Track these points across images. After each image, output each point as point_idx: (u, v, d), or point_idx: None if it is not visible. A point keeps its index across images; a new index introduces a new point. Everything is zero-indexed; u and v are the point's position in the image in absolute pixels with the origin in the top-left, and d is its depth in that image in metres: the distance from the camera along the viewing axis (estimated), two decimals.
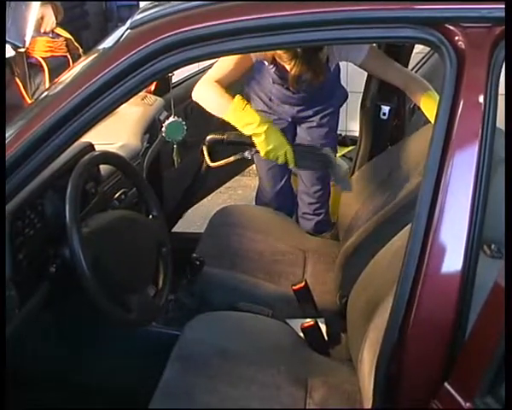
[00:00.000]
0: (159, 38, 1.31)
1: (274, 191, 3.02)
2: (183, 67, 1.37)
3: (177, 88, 3.00)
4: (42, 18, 3.54)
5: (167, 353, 1.84)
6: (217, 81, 2.34)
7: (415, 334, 1.28)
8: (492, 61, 1.22)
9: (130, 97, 1.38)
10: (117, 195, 2.17)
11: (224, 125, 2.39)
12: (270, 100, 2.80)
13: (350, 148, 4.14)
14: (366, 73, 2.72)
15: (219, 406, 1.68)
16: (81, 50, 3.74)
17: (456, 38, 1.23)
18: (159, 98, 2.92)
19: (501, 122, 1.22)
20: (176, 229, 3.25)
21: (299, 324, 2.02)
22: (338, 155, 4.09)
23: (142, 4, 1.69)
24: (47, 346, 2.15)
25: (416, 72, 2.88)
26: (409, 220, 1.33)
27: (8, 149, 1.36)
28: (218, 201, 3.90)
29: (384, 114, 2.67)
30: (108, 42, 1.47)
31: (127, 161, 2.10)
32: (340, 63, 2.70)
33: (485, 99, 1.22)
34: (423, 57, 3.01)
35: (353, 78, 2.67)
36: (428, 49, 2.39)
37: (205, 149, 2.43)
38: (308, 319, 2.03)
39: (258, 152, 2.26)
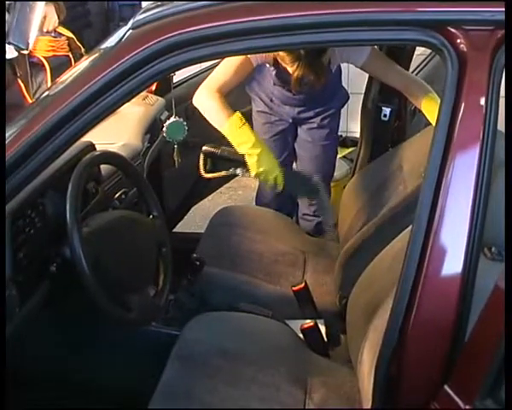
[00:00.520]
0: (161, 39, 1.31)
1: (273, 192, 3.02)
2: (185, 67, 1.37)
3: (179, 88, 3.00)
4: (44, 17, 3.54)
5: (167, 353, 1.84)
6: (218, 89, 2.34)
7: (415, 336, 1.28)
8: (494, 64, 1.22)
9: (132, 98, 1.38)
10: (117, 195, 2.17)
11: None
12: (271, 101, 2.80)
13: (350, 149, 4.15)
14: (367, 75, 2.72)
15: (219, 406, 1.68)
16: (83, 50, 3.74)
17: (458, 40, 1.23)
18: (160, 98, 2.92)
19: (502, 124, 1.23)
20: (176, 229, 3.26)
21: (298, 325, 2.02)
22: (339, 156, 4.10)
23: (144, 4, 1.70)
24: (47, 345, 2.15)
25: (417, 74, 2.88)
26: (409, 222, 1.33)
27: (10, 148, 1.36)
28: (218, 201, 3.90)
29: (385, 115, 2.67)
30: (110, 42, 1.47)
31: (128, 160, 2.10)
32: (342, 64, 2.70)
33: (486, 102, 1.22)
34: (424, 59, 3.02)
35: (354, 79, 2.67)
36: (430, 51, 2.39)
37: (201, 157, 2.43)
38: (308, 320, 2.03)
39: (249, 171, 2.27)
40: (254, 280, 2.37)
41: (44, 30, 3.59)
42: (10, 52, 2.96)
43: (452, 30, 1.24)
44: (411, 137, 2.52)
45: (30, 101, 3.48)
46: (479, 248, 1.24)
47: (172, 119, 1.99)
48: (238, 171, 2.35)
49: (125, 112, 2.32)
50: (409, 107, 2.81)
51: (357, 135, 3.00)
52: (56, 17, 3.65)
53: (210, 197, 3.52)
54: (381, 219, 2.11)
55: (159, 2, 1.49)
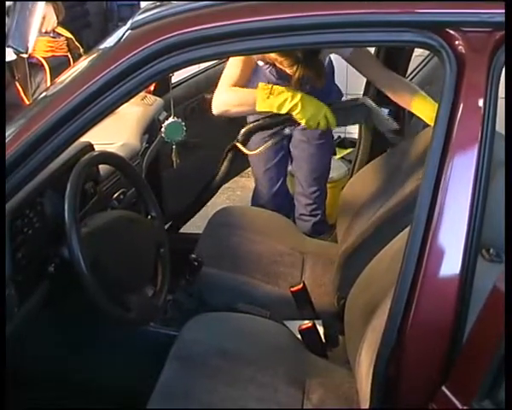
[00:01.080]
0: (160, 39, 1.31)
1: (270, 193, 3.03)
2: (183, 68, 1.37)
3: (177, 88, 3.00)
4: (43, 18, 3.53)
5: (165, 353, 1.84)
6: (233, 85, 2.34)
7: (413, 336, 1.28)
8: (492, 65, 1.22)
9: (131, 98, 1.38)
10: (116, 195, 2.17)
11: (227, 126, 2.40)
12: None
13: (349, 150, 4.15)
14: None
15: (217, 406, 1.68)
16: (82, 50, 3.73)
17: (457, 42, 1.23)
18: (158, 98, 2.92)
19: (501, 126, 1.23)
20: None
21: (296, 325, 2.02)
22: (337, 157, 4.11)
23: (142, 4, 1.70)
24: (46, 345, 2.15)
25: (415, 75, 2.88)
26: (408, 223, 1.33)
27: (8, 148, 1.36)
28: (216, 201, 3.88)
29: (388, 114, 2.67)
30: (109, 42, 1.47)
31: (126, 161, 2.10)
32: (341, 67, 2.70)
33: (484, 103, 1.22)
34: (423, 61, 3.01)
35: (353, 80, 2.67)
36: (428, 52, 2.39)
37: (238, 143, 2.42)
38: (306, 321, 2.03)
39: (298, 125, 2.26)
40: (253, 281, 2.37)
41: (43, 30, 3.58)
42: (9, 55, 2.95)
43: (451, 31, 1.24)
44: (410, 137, 2.52)
45: (28, 102, 3.47)
46: (477, 250, 1.25)
47: (171, 119, 1.99)
48: (287, 130, 2.34)
49: (124, 112, 2.32)
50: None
51: (356, 136, 3.00)
52: (55, 17, 3.64)
53: None
54: (380, 220, 2.11)
55: (158, 3, 1.50)
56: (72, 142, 1.42)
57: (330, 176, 3.61)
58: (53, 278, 1.74)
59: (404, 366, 1.30)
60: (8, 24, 2.86)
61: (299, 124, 2.26)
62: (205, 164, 2.79)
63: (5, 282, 1.51)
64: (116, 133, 2.45)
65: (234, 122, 2.66)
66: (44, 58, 3.64)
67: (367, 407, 1.39)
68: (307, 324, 2.01)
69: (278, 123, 2.35)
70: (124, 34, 1.39)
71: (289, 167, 3.16)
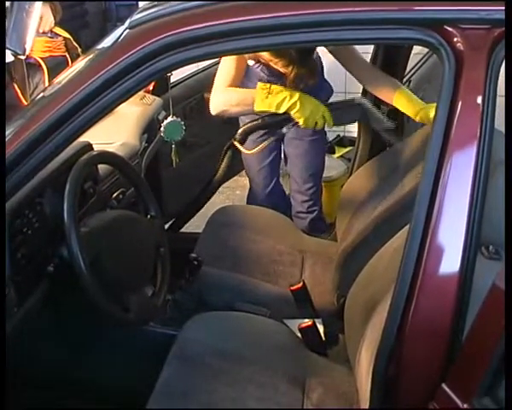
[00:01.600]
0: (157, 38, 1.31)
1: (265, 192, 3.04)
2: (181, 67, 1.37)
3: (176, 88, 3.00)
4: (40, 18, 3.53)
5: (165, 353, 1.84)
6: (229, 86, 2.37)
7: (413, 335, 1.28)
8: (491, 62, 1.22)
9: (129, 97, 1.38)
10: (115, 194, 2.17)
11: (225, 125, 2.39)
12: None
13: (348, 148, 4.15)
14: None
15: (217, 406, 1.68)
16: (80, 50, 3.73)
17: (455, 39, 1.23)
18: (157, 98, 2.92)
19: (500, 123, 1.23)
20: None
21: (296, 324, 2.02)
22: (336, 155, 4.11)
23: (141, 4, 1.69)
24: (45, 345, 2.15)
25: (414, 73, 2.88)
26: (407, 221, 1.33)
27: (8, 147, 1.36)
28: (216, 201, 3.88)
29: (383, 114, 2.67)
30: (107, 41, 1.47)
31: (125, 160, 2.10)
32: (340, 66, 2.70)
33: (483, 101, 1.22)
34: (421, 58, 3.01)
35: (352, 78, 2.67)
36: (427, 50, 2.39)
37: (236, 142, 2.44)
38: (306, 320, 2.03)
39: (295, 124, 2.28)
40: (252, 280, 2.37)
41: (40, 31, 3.58)
42: (7, 56, 2.96)
43: (449, 29, 1.24)
44: (409, 136, 2.52)
45: (26, 103, 3.47)
46: (476, 247, 1.24)
47: (170, 118, 1.99)
48: (284, 129, 2.36)
49: (123, 112, 2.32)
50: None
51: (355, 134, 2.99)
52: (52, 18, 3.64)
53: None
54: (379, 218, 2.11)
55: (155, 2, 1.49)
56: (71, 141, 1.42)
57: (330, 174, 3.63)
58: (52, 278, 1.74)
59: (403, 364, 1.30)
60: (6, 25, 2.86)
61: (296, 123, 2.26)
62: (204, 163, 2.79)
63: (5, 282, 1.50)
64: (115, 133, 2.45)
65: (233, 121, 2.66)
66: (42, 58, 3.64)
67: (367, 405, 1.39)
68: (307, 322, 2.01)
69: (276, 122, 2.36)
70: (122, 33, 1.39)
71: (284, 167, 3.17)
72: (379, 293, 1.59)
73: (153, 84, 2.95)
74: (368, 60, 2.63)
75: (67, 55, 3.75)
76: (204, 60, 1.51)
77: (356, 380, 1.67)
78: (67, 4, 3.89)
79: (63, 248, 1.72)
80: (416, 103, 2.34)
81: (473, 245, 1.23)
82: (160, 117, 2.80)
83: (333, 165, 3.78)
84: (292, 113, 2.22)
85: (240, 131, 2.43)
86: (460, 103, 1.23)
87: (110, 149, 2.20)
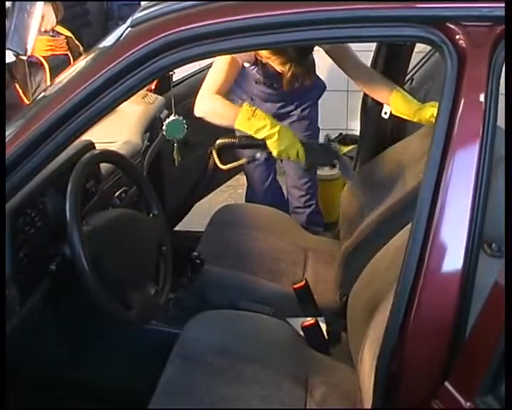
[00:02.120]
0: (159, 37, 1.31)
1: (262, 189, 3.05)
2: (183, 65, 1.37)
3: (178, 86, 3.00)
4: (42, 17, 3.53)
5: (167, 351, 1.84)
6: (217, 91, 2.38)
7: (415, 333, 1.28)
8: (493, 60, 1.22)
9: (131, 96, 1.38)
10: (117, 193, 2.17)
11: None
12: (252, 99, 2.81)
13: (350, 147, 4.14)
14: None
15: (220, 405, 1.68)
16: (82, 48, 3.73)
17: (458, 36, 1.23)
18: (159, 97, 2.92)
19: (501, 121, 1.22)
20: (176, 227, 3.25)
21: (299, 322, 2.02)
22: None
23: (143, 3, 1.69)
24: (47, 344, 2.15)
25: (416, 71, 2.88)
26: (409, 219, 1.33)
27: (9, 146, 1.36)
28: (218, 199, 3.89)
29: (385, 113, 2.67)
30: (109, 40, 1.47)
31: (128, 159, 2.10)
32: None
33: (485, 98, 1.22)
34: (424, 56, 3.01)
35: None
36: (429, 48, 2.39)
37: (214, 152, 2.46)
38: (308, 318, 2.03)
39: (270, 153, 2.30)
40: (255, 278, 2.37)
41: (42, 29, 3.57)
42: (8, 56, 2.95)
43: (451, 26, 1.23)
44: (412, 134, 2.51)
45: (27, 102, 3.47)
46: (479, 245, 1.24)
47: (172, 117, 1.99)
48: (258, 155, 2.38)
49: (125, 110, 2.32)
50: None
51: (357, 133, 3.00)
52: (54, 16, 3.64)
53: (210, 196, 3.52)
54: (382, 217, 2.11)
55: (157, 1, 1.49)
56: (73, 140, 1.42)
57: (332, 172, 3.63)
58: (54, 277, 1.74)
59: (406, 363, 1.30)
60: (6, 26, 2.85)
61: (270, 152, 2.30)
62: (206, 161, 2.79)
63: (5, 281, 1.50)
64: (117, 132, 2.45)
65: None
66: (44, 57, 3.63)
67: (370, 403, 1.38)
68: (310, 321, 2.01)
69: (251, 145, 2.41)
70: (123, 32, 1.39)
71: (281, 164, 3.18)
72: (381, 291, 1.59)
73: (155, 82, 2.96)
74: (370, 58, 2.63)
75: (69, 54, 3.74)
76: (206, 58, 1.51)
77: (359, 378, 1.67)
78: (69, 4, 3.88)
79: (65, 246, 1.72)
80: (413, 103, 2.35)
81: (475, 243, 1.23)
82: (162, 116, 2.80)
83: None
84: (268, 141, 2.25)
85: (217, 143, 2.45)
86: (462, 101, 1.23)
87: (112, 147, 2.20)
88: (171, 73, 2.13)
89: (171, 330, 2.07)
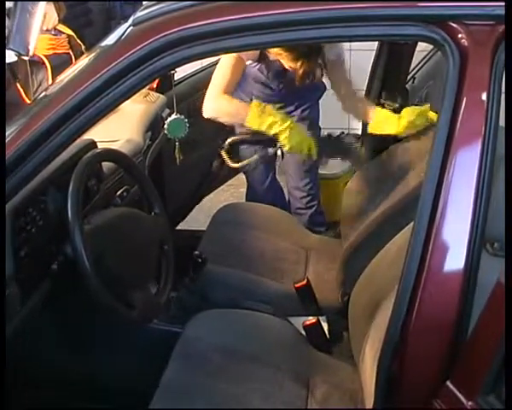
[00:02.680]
0: (161, 36, 1.31)
1: (262, 188, 3.05)
2: (185, 64, 1.37)
3: (180, 85, 3.00)
4: (44, 15, 3.52)
5: (169, 350, 1.84)
6: (224, 91, 2.39)
7: (417, 332, 1.28)
8: (495, 58, 1.21)
9: (133, 95, 1.38)
10: (119, 192, 2.17)
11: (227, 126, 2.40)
12: (251, 100, 2.81)
13: None
14: (369, 72, 2.72)
15: (221, 404, 1.68)
16: (83, 47, 3.72)
17: (460, 35, 1.23)
18: (161, 95, 2.92)
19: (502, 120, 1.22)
20: (178, 226, 3.25)
21: (301, 322, 2.02)
22: None
23: (145, 2, 1.69)
24: (48, 343, 2.15)
25: (418, 70, 2.88)
26: (411, 219, 1.33)
27: (11, 146, 1.36)
28: (220, 198, 3.89)
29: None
30: (111, 39, 1.47)
31: (129, 158, 2.10)
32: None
33: (487, 97, 1.22)
34: (426, 55, 3.01)
35: (356, 76, 2.67)
36: (431, 47, 2.39)
37: (223, 152, 2.47)
38: (310, 317, 2.03)
39: (281, 148, 2.34)
40: (257, 277, 2.37)
41: (44, 28, 3.57)
42: (10, 56, 2.95)
43: (453, 25, 1.23)
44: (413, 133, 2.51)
45: (29, 102, 3.47)
46: (481, 244, 1.24)
47: (174, 116, 1.99)
48: (270, 150, 2.38)
49: (127, 109, 2.32)
50: (410, 104, 2.79)
51: (359, 132, 2.99)
52: (56, 15, 3.64)
53: (212, 195, 3.52)
54: (383, 216, 2.11)
55: (159, 0, 1.49)
56: (75, 139, 1.42)
57: (334, 171, 3.63)
58: (56, 276, 1.74)
59: (408, 362, 1.29)
60: (8, 26, 2.85)
61: (281, 147, 2.33)
62: (208, 161, 2.79)
63: (5, 281, 1.50)
64: (119, 130, 2.45)
65: None
66: (46, 56, 3.63)
67: (372, 402, 1.38)
68: (311, 320, 2.01)
69: (264, 141, 2.41)
70: (125, 31, 1.39)
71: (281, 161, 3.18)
72: (383, 291, 1.59)
73: (156, 81, 2.95)
74: (371, 58, 2.63)
75: (71, 53, 3.74)
76: (208, 57, 1.51)
77: (360, 377, 1.67)
78: (71, 2, 3.88)
79: (67, 246, 1.72)
80: (394, 116, 2.41)
81: (477, 242, 1.23)
82: (164, 114, 2.79)
83: (337, 162, 3.77)
84: (280, 137, 2.27)
85: (227, 142, 2.45)
86: (464, 100, 1.23)
87: (114, 146, 2.20)
88: (172, 72, 2.14)
89: (173, 329, 2.07)
